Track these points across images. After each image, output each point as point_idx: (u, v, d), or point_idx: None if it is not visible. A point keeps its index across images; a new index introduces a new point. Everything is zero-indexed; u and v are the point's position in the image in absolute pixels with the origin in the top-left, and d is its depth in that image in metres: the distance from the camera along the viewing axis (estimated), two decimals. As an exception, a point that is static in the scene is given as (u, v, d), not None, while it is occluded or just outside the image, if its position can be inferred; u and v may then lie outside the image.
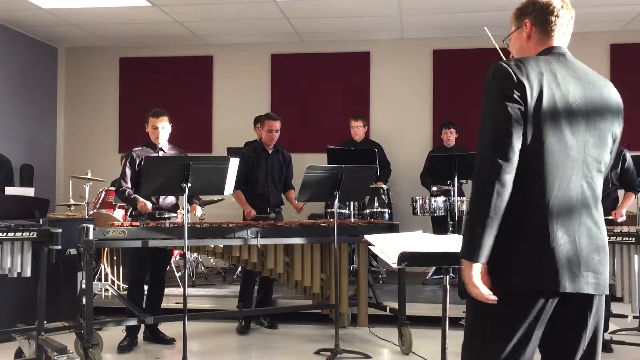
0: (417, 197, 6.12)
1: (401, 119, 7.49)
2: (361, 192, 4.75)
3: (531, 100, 1.77)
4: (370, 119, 7.39)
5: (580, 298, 1.83)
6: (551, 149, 1.79)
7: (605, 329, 4.61)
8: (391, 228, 4.70)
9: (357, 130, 6.72)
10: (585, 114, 1.84)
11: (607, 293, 1.88)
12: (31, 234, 3.45)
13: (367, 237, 2.42)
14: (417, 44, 7.45)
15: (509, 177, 1.74)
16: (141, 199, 4.34)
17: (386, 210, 6.36)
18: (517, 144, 1.75)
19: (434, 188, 6.27)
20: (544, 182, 1.79)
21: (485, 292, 1.76)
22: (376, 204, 6.32)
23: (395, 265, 2.21)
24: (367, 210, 6.29)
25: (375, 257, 6.38)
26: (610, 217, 4.50)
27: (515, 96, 1.76)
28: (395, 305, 4.66)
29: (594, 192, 1.86)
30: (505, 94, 1.77)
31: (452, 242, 2.35)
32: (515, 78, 1.77)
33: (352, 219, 5.85)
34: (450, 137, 6.64)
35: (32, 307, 3.91)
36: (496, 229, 1.76)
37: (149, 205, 4.32)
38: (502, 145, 1.74)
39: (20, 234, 3.41)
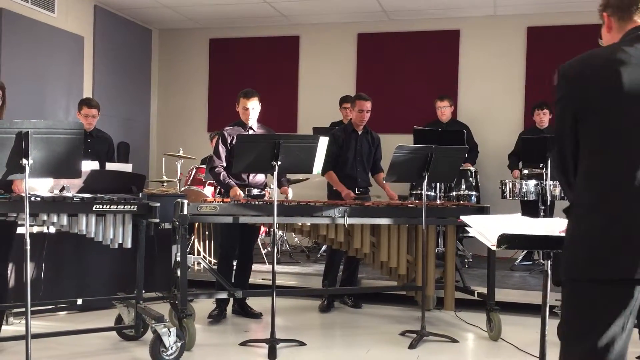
0: (507, 180, 5.93)
1: (490, 99, 7.25)
2: (451, 174, 4.65)
3: (592, 96, 1.79)
4: (458, 99, 7.21)
5: None
6: (624, 136, 1.76)
7: None
8: (481, 211, 4.57)
9: (444, 110, 6.59)
10: None
11: None
12: (132, 207, 3.60)
13: (464, 217, 2.36)
14: (510, 21, 7.16)
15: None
16: (236, 187, 4.44)
17: (473, 193, 6.20)
18: (570, 147, 1.86)
19: (525, 171, 6.05)
20: (621, 167, 1.75)
21: None
22: (463, 186, 6.18)
23: (493, 247, 2.15)
24: (454, 193, 6.16)
25: (461, 240, 6.26)
26: None
27: (571, 96, 1.85)
28: (481, 289, 4.56)
29: None
30: (563, 95, 1.88)
31: (552, 226, 2.25)
32: (570, 79, 1.88)
33: (438, 201, 5.75)
34: (543, 118, 6.35)
35: (129, 277, 4.11)
36: None
37: (242, 195, 4.41)
38: (561, 148, 1.89)
39: (122, 207, 3.57)
